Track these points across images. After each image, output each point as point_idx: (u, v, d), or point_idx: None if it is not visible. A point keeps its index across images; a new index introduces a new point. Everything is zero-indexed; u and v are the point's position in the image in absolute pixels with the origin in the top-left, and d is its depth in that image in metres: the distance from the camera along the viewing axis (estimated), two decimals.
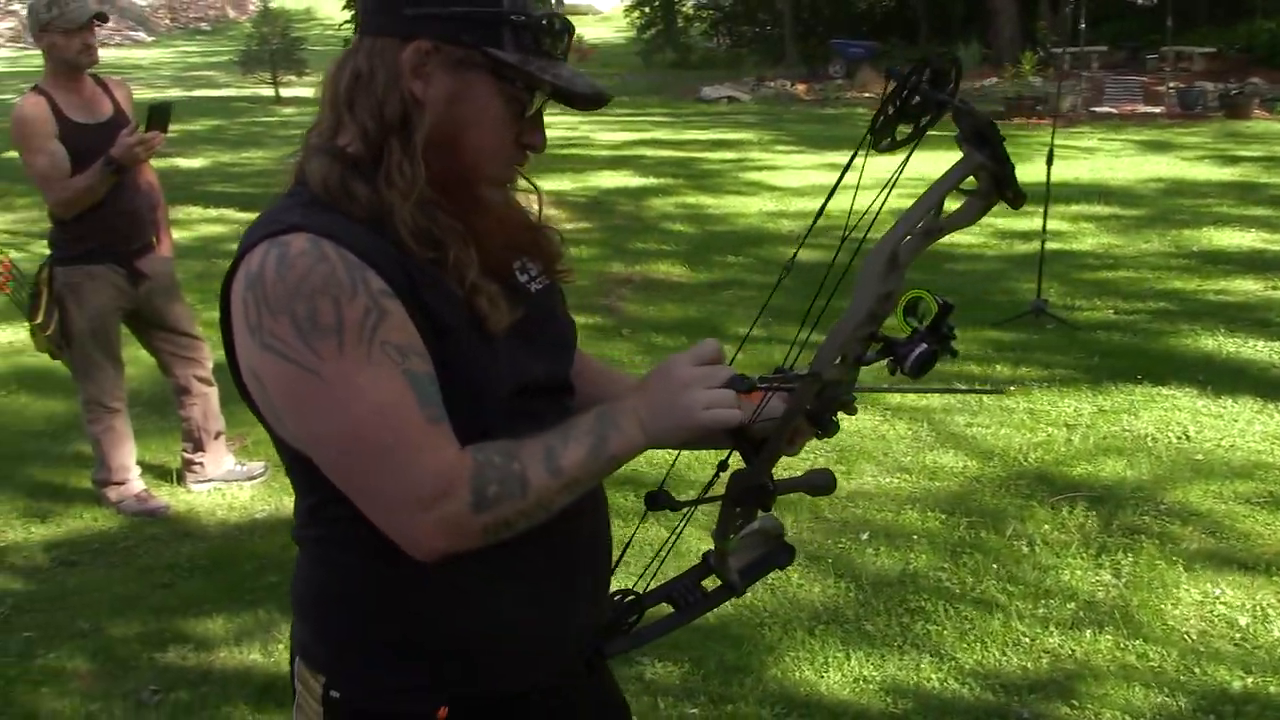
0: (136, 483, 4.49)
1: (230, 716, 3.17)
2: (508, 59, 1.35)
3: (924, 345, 1.53)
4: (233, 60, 21.63)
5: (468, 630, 1.43)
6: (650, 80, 24.02)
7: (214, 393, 4.63)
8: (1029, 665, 3.33)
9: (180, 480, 4.70)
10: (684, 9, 29.60)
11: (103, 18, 4.23)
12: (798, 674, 3.31)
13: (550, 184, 11.08)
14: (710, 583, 1.63)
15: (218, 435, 4.67)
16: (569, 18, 1.45)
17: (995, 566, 3.87)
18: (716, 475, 1.56)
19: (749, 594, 3.59)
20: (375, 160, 1.34)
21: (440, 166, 1.36)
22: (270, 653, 3.46)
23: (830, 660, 3.37)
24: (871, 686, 3.24)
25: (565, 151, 13.23)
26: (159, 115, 4.13)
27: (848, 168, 1.40)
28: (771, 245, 8.86)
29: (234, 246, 1.34)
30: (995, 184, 1.51)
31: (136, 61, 29.23)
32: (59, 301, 4.23)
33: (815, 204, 9.40)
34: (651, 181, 11.65)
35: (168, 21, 39.41)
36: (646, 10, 29.08)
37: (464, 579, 1.40)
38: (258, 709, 3.20)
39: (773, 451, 1.52)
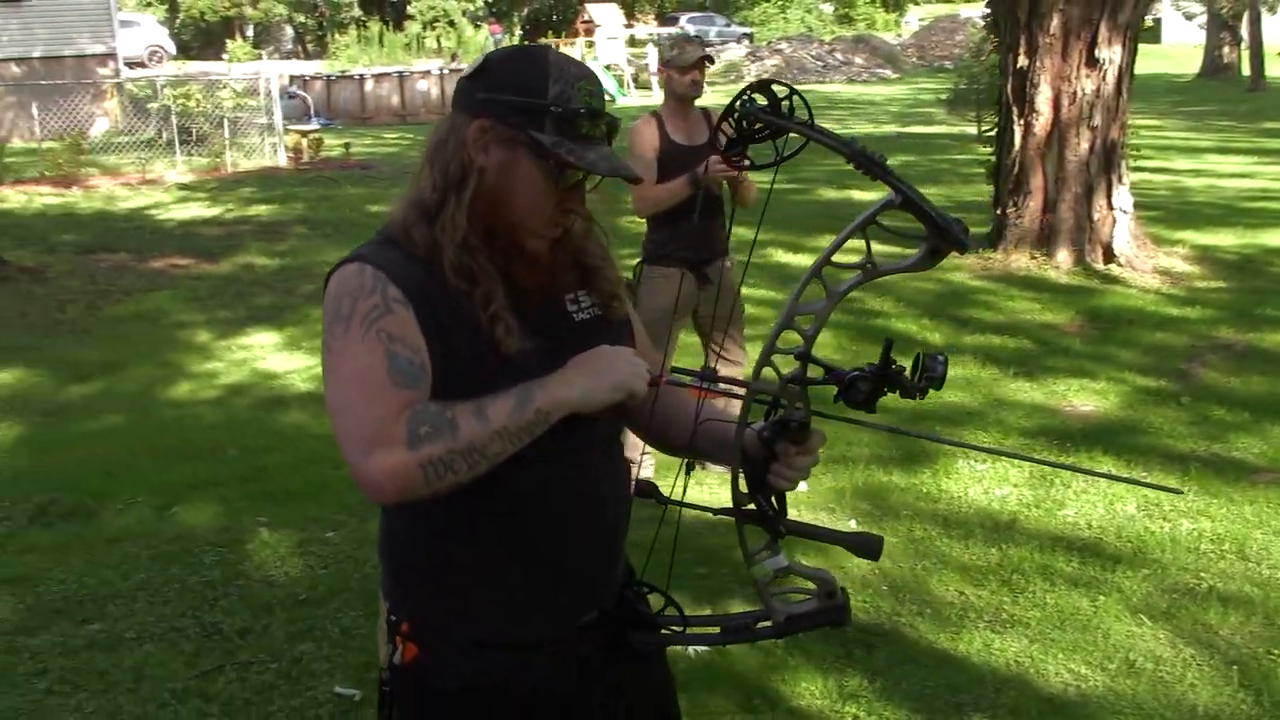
0: (645, 469, 5.19)
1: None
2: (544, 141, 1.68)
3: (857, 373, 1.66)
4: (939, 98, 22.36)
5: (464, 580, 1.78)
6: None
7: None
8: None
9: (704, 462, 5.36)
10: None
11: (710, 60, 5.05)
12: None
13: (1210, 238, 10.40)
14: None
15: None
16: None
17: None
18: (688, 473, 1.83)
19: (1125, 678, 3.48)
20: (440, 208, 1.72)
21: (488, 220, 1.72)
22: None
23: None
24: None
25: (1253, 205, 12.27)
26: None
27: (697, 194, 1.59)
28: None
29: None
30: (938, 233, 1.60)
31: (871, 97, 31.19)
32: (632, 291, 5.06)
33: None
34: None
35: (914, 59, 41.32)
36: None
37: (473, 542, 1.76)
38: None
39: (734, 457, 1.76)
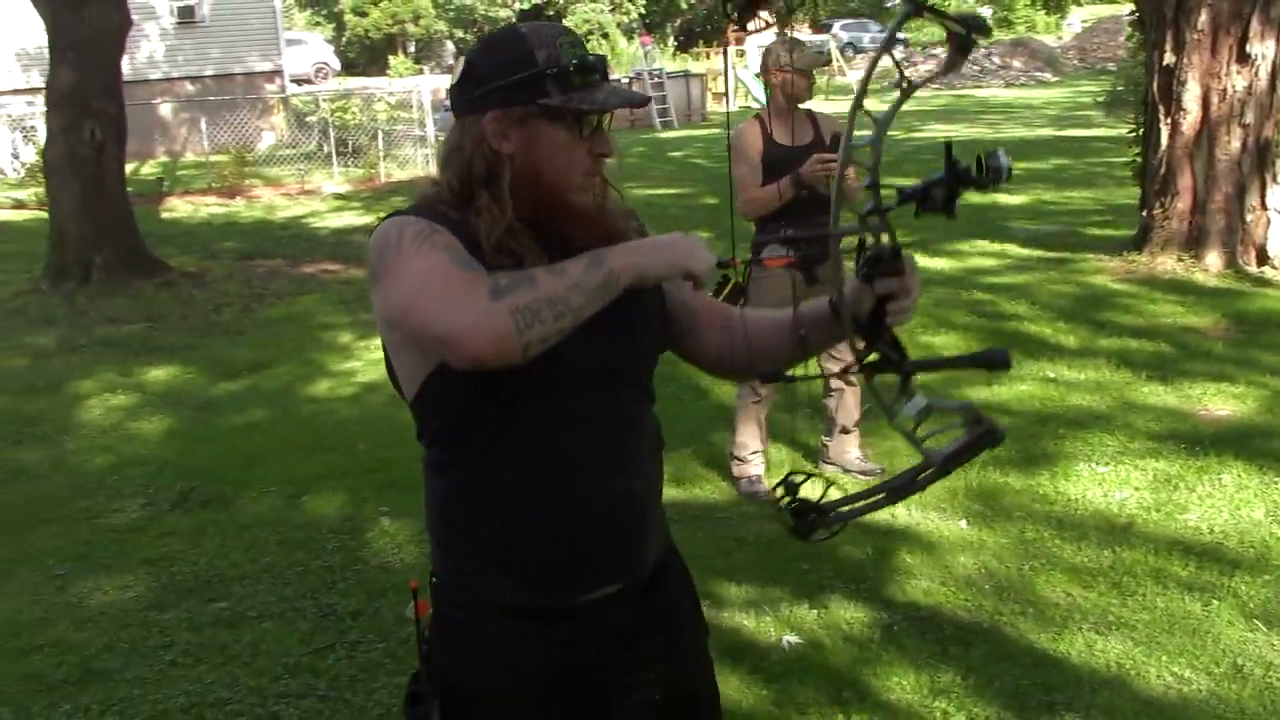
0: (754, 466, 5.23)
1: None
2: (553, 103, 1.75)
3: (928, 182, 1.67)
4: (1096, 100, 21.77)
5: (480, 542, 1.83)
6: None
7: (851, 391, 5.27)
8: None
9: (816, 460, 5.44)
10: None
11: (827, 63, 5.11)
12: None
13: None
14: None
15: (844, 430, 5.31)
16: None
17: None
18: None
19: (1231, 682, 3.44)
20: (464, 201, 1.78)
21: (533, 196, 1.78)
22: (761, 624, 3.97)
23: None
24: None
25: None
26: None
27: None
28: None
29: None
30: (961, 28, 1.61)
31: (1028, 101, 30.46)
32: (742, 293, 5.10)
33: None
34: None
35: (1076, 62, 40.22)
36: None
37: (485, 506, 1.81)
38: (727, 666, 3.72)
39: (839, 305, 1.76)
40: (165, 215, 15.24)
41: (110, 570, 4.70)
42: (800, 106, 5.11)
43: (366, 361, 7.92)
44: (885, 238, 1.72)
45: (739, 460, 5.25)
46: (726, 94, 4.83)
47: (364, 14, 49.91)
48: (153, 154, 21.96)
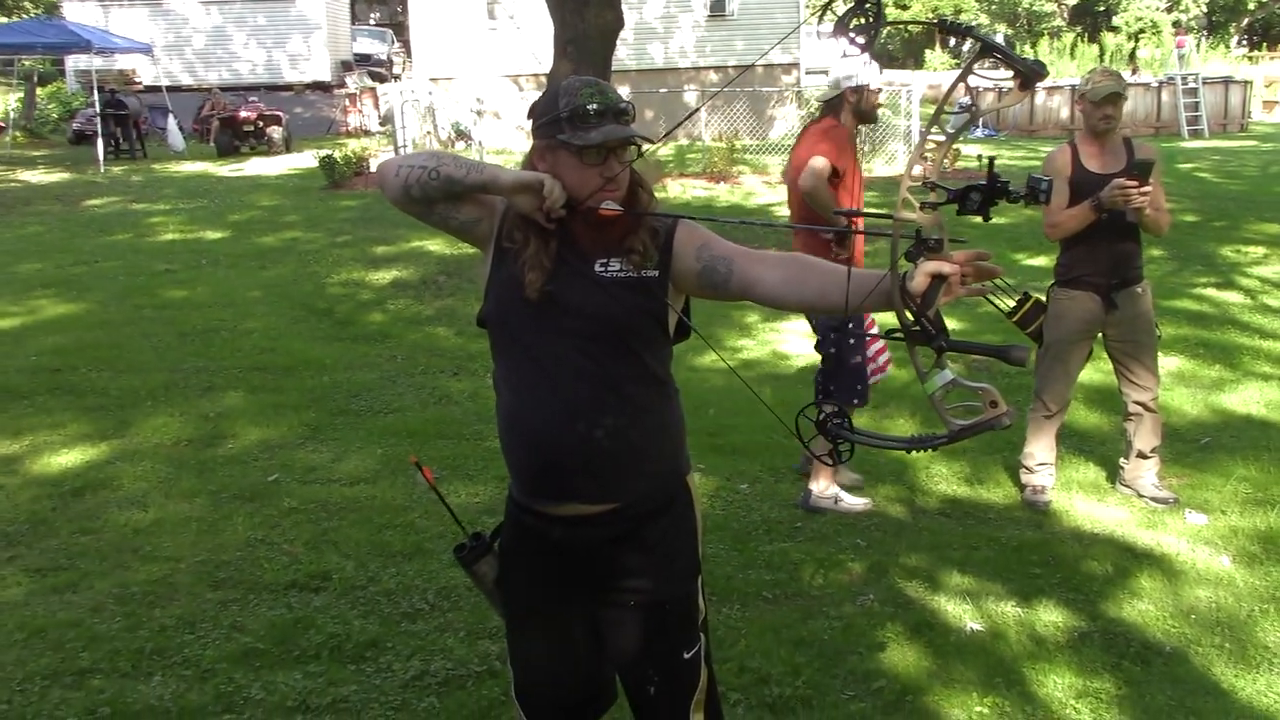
0: (1040, 477, 5.41)
1: (886, 638, 4.16)
2: (563, 137, 2.39)
3: (969, 186, 2.13)
4: None
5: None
6: None
7: (1151, 418, 5.35)
8: None
9: (1114, 481, 5.61)
10: None
11: (1122, 97, 5.15)
12: None
13: None
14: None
15: (1140, 454, 5.40)
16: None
17: None
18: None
19: None
20: None
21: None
22: (959, 610, 4.30)
23: None
24: None
25: None
26: (1141, 169, 4.96)
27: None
28: None
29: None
30: (1024, 68, 2.02)
31: None
32: (1044, 311, 5.34)
33: None
34: None
35: None
36: None
37: (497, 420, 2.56)
38: (904, 638, 4.13)
39: (896, 289, 2.13)
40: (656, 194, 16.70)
41: (472, 479, 5.79)
42: (1123, 135, 5.19)
43: (759, 341, 8.68)
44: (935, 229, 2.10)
45: (1026, 469, 5.46)
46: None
47: (905, 7, 50.42)
48: (673, 137, 23.93)
